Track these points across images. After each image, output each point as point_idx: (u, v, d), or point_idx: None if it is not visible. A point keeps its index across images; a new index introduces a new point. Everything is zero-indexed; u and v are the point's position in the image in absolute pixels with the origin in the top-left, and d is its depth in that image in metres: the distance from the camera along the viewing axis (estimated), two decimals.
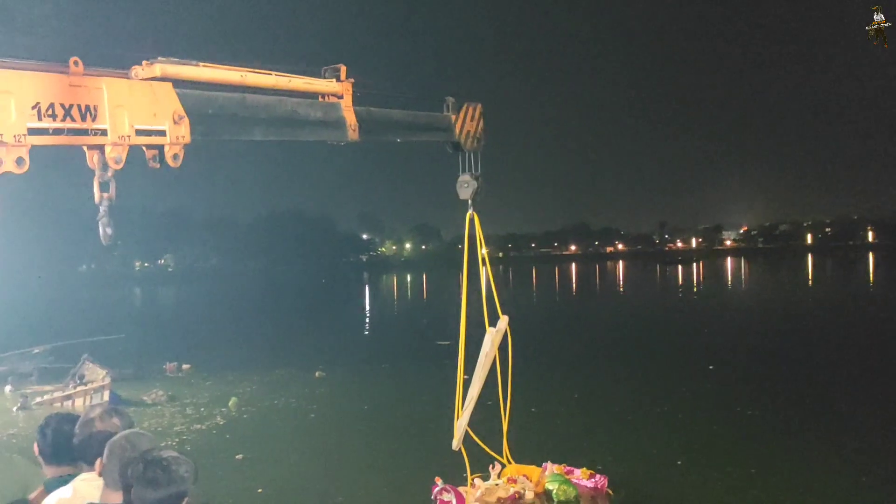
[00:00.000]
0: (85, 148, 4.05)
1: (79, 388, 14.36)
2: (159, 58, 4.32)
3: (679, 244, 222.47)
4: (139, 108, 4.13)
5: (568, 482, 7.91)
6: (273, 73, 5.09)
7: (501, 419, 7.80)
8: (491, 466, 7.94)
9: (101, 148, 4.02)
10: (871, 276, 63.28)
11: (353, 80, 5.69)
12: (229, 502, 8.51)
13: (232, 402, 14.04)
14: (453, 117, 7.10)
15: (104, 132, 3.95)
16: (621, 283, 66.89)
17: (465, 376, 7.43)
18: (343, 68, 5.65)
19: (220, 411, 13.52)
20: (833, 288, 49.84)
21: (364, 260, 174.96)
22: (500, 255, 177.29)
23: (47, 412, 5.85)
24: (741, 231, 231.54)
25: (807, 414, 12.38)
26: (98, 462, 2.90)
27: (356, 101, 5.73)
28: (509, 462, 8.11)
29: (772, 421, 11.88)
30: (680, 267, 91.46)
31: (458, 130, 7.13)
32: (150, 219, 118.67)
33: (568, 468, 8.35)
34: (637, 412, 12.63)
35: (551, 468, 8.29)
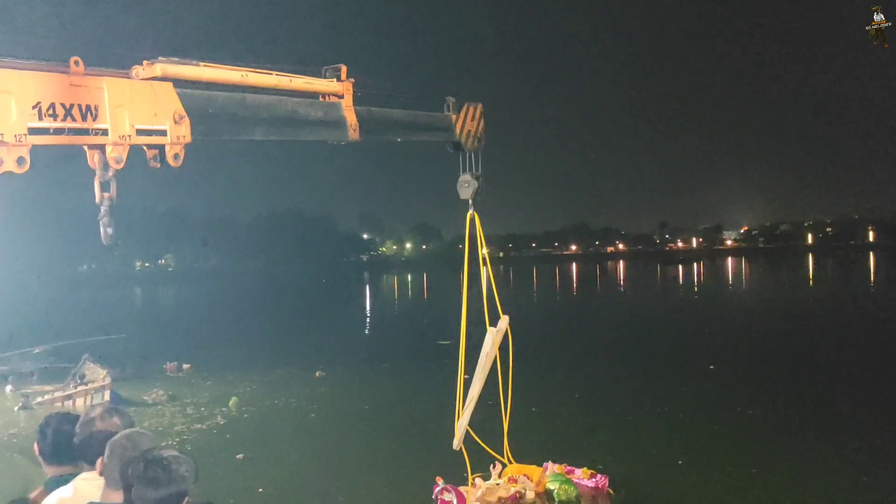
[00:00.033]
0: (86, 148, 4.06)
1: (79, 388, 14.37)
2: (160, 57, 4.32)
3: (679, 244, 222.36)
4: (140, 107, 4.13)
5: (569, 482, 7.90)
6: (274, 72, 5.09)
7: (502, 419, 7.80)
8: (492, 466, 7.94)
9: (101, 148, 4.02)
10: (872, 276, 63.25)
11: (353, 79, 5.69)
12: (230, 502, 8.51)
13: (232, 401, 14.05)
14: (454, 117, 7.09)
15: (105, 132, 3.95)
16: (622, 282, 66.88)
17: (466, 376, 7.43)
18: (344, 68, 5.65)
19: (221, 411, 13.52)
20: (834, 288, 49.82)
21: (364, 260, 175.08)
22: (501, 254, 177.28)
23: (48, 412, 5.86)
24: (742, 231, 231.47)
25: (807, 414, 12.37)
26: (99, 461, 2.90)
27: (357, 100, 5.73)
28: (510, 462, 8.11)
29: (772, 421, 11.87)
30: (680, 267, 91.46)
31: (458, 130, 7.12)
32: (151, 219, 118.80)
33: (569, 468, 8.34)
34: (638, 412, 12.63)
35: (552, 468, 8.28)
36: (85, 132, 3.87)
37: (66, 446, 3.22)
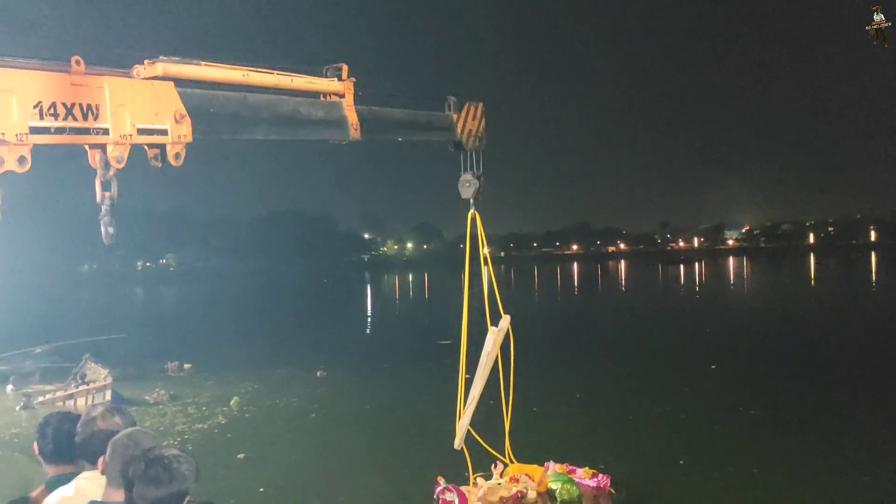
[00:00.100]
0: (87, 147, 4.06)
1: (81, 388, 14.38)
2: (161, 57, 4.32)
3: (681, 244, 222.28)
4: (141, 107, 4.14)
5: (571, 481, 7.91)
6: (275, 72, 5.08)
7: (503, 418, 7.80)
8: (493, 466, 7.94)
9: (102, 147, 4.02)
10: (874, 275, 63.20)
11: (354, 79, 5.69)
12: (231, 501, 8.51)
13: (233, 401, 14.05)
14: (455, 116, 7.09)
15: (106, 131, 3.95)
16: (623, 282, 66.86)
17: (467, 376, 7.43)
18: (345, 67, 5.65)
19: (222, 411, 13.53)
20: (835, 288, 49.77)
21: (365, 259, 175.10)
22: (502, 254, 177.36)
23: (50, 411, 5.86)
24: (743, 230, 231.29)
25: (807, 414, 12.36)
26: (101, 460, 2.91)
27: (358, 100, 5.73)
28: (511, 461, 8.11)
29: (773, 421, 11.86)
30: (682, 266, 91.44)
31: (459, 129, 7.12)
32: (152, 218, 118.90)
33: (570, 467, 8.35)
34: (639, 412, 12.62)
35: (553, 467, 8.29)
36: (86, 131, 3.87)
37: (66, 445, 3.22)
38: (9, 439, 11.72)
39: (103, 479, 2.87)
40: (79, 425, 3.18)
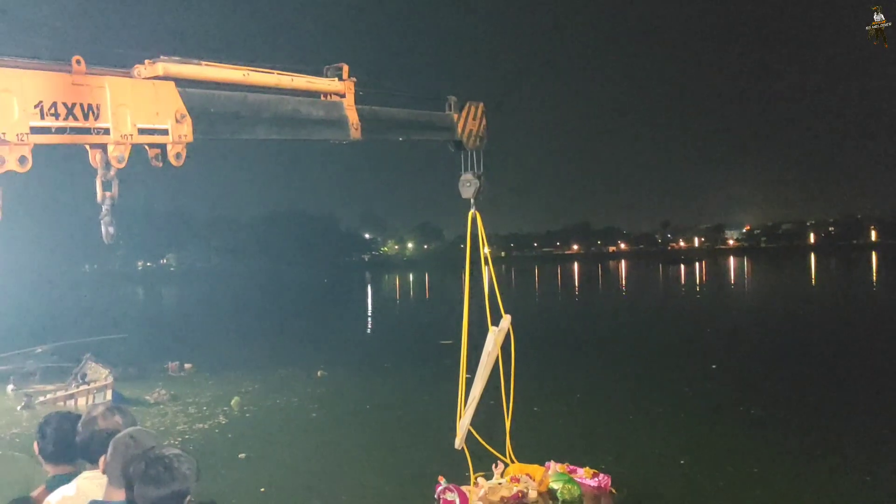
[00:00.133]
0: (87, 147, 4.06)
1: (81, 388, 14.38)
2: (162, 57, 4.32)
3: (682, 243, 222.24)
4: (142, 106, 4.14)
5: (572, 481, 7.91)
6: (275, 71, 5.08)
7: (504, 418, 7.80)
8: (494, 465, 7.94)
9: (103, 147, 4.03)
10: (874, 275, 63.18)
11: (355, 78, 5.69)
12: (232, 501, 8.51)
13: (234, 401, 14.06)
14: (455, 116, 7.09)
15: (107, 131, 3.95)
16: (624, 282, 66.85)
17: (468, 375, 7.43)
18: (345, 67, 5.65)
19: (223, 410, 13.53)
20: (836, 288, 49.75)
21: (366, 259, 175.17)
22: (503, 254, 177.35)
23: (50, 411, 5.87)
24: (744, 230, 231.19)
25: (807, 414, 12.36)
26: (102, 459, 2.91)
27: (358, 99, 5.73)
28: (512, 461, 8.11)
29: (773, 421, 11.86)
30: (682, 266, 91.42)
31: (460, 129, 7.12)
32: (153, 218, 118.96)
33: (571, 467, 8.35)
34: (639, 412, 12.62)
35: (554, 467, 8.29)
36: (87, 131, 3.87)
37: (67, 445, 3.22)
38: (9, 439, 11.73)
39: (104, 479, 2.87)
40: (80, 425, 3.18)
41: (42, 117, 3.66)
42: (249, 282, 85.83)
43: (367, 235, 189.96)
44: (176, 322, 37.28)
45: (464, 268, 7.71)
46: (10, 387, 15.88)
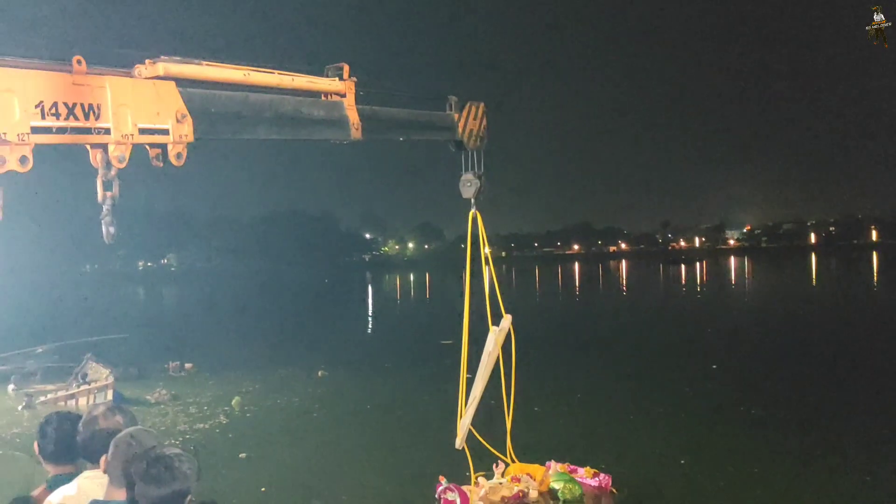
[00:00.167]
0: (88, 146, 4.06)
1: (82, 388, 14.39)
2: (162, 56, 4.31)
3: (682, 243, 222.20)
4: (142, 106, 4.13)
5: (573, 480, 7.90)
6: (276, 71, 5.08)
7: (505, 418, 7.80)
8: (495, 465, 7.94)
9: (104, 146, 4.02)
10: (875, 275, 63.15)
11: (355, 78, 5.68)
12: (233, 501, 8.52)
13: (235, 401, 14.06)
14: (456, 116, 7.08)
15: (107, 131, 3.95)
16: (624, 282, 66.83)
17: (468, 375, 7.42)
18: (346, 67, 5.64)
19: (224, 410, 13.53)
20: (836, 288, 49.74)
21: (367, 259, 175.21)
22: (503, 254, 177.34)
23: (51, 411, 5.87)
24: (745, 230, 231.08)
25: (807, 414, 12.36)
26: (103, 459, 2.91)
27: (359, 99, 5.71)
28: (513, 461, 8.10)
29: (773, 421, 11.86)
30: (683, 266, 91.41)
31: (460, 129, 7.12)
32: (154, 218, 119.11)
33: (572, 467, 8.34)
34: (639, 412, 12.62)
35: (555, 467, 8.28)
36: (87, 131, 3.87)
37: (67, 445, 3.22)
38: (10, 439, 11.74)
39: (105, 478, 2.88)
40: (80, 424, 3.19)
41: (43, 117, 3.66)
42: (250, 282, 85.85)
43: (367, 235, 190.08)
44: (176, 322, 37.28)
45: (464, 268, 7.71)
46: (10, 387, 15.89)
